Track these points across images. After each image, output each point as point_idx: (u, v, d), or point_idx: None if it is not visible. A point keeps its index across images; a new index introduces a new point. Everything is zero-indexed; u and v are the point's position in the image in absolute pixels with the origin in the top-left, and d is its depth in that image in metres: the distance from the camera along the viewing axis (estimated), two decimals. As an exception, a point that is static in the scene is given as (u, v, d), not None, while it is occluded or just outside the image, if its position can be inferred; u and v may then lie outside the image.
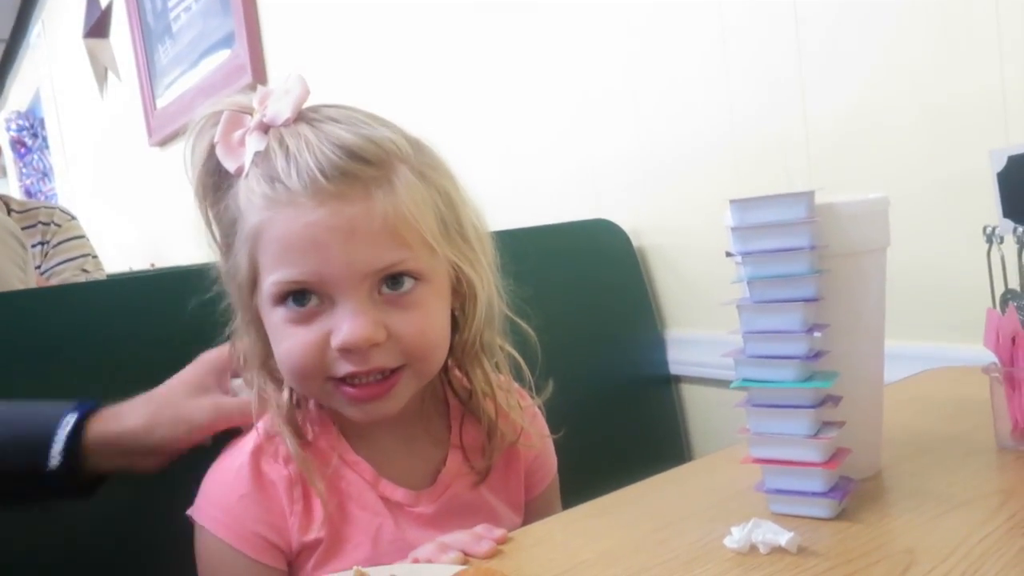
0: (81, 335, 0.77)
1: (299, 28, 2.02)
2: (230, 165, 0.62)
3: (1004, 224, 0.69)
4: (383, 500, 0.65)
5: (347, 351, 0.59)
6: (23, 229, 1.51)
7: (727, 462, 0.66)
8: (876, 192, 0.59)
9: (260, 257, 0.61)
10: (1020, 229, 0.67)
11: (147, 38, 2.93)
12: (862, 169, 0.95)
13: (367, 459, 0.66)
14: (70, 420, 0.64)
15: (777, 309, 0.54)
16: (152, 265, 2.96)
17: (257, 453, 0.64)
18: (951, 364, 0.85)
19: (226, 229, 0.64)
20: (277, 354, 0.62)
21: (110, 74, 3.41)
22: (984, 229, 0.69)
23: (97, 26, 3.33)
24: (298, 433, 0.64)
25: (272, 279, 0.60)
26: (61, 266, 1.64)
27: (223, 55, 2.34)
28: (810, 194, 0.53)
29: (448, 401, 0.72)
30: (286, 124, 0.60)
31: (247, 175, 0.61)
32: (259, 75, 2.16)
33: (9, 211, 1.63)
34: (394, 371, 0.62)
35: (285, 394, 0.65)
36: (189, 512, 0.65)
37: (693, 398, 1.22)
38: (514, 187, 1.45)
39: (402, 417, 0.65)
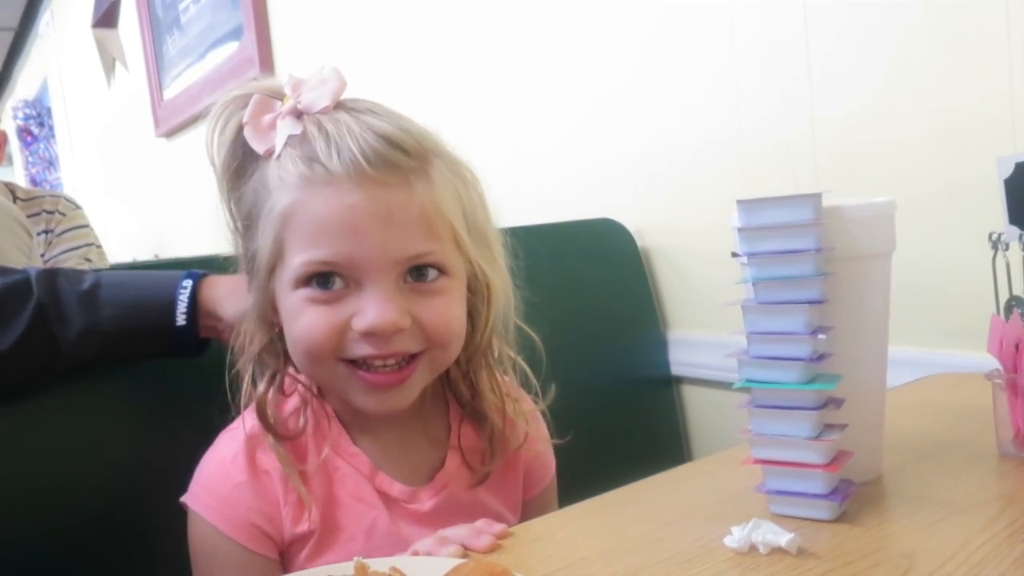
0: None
1: (307, 22, 2.02)
2: (259, 147, 0.62)
3: (1010, 231, 0.69)
4: (379, 494, 0.65)
5: (371, 335, 0.59)
6: (28, 217, 1.51)
7: (728, 463, 0.66)
8: (883, 196, 0.59)
9: (289, 237, 0.60)
10: (1026, 236, 0.67)
11: (155, 29, 2.93)
12: (869, 173, 0.95)
13: (366, 452, 0.66)
14: (187, 284, 0.71)
15: (781, 311, 0.54)
16: (156, 256, 2.96)
17: (252, 441, 0.64)
18: (954, 370, 0.85)
19: (247, 211, 0.64)
20: (292, 334, 0.62)
21: (118, 64, 3.41)
22: (990, 235, 0.69)
23: (106, 16, 3.33)
24: (271, 429, 0.64)
25: (302, 259, 0.59)
26: (64, 255, 1.65)
27: (231, 47, 2.34)
28: (817, 196, 0.53)
29: (448, 403, 0.71)
30: (324, 111, 0.60)
31: (279, 156, 0.61)
32: (267, 68, 2.17)
33: (15, 199, 1.63)
34: (412, 358, 0.62)
35: (261, 387, 0.65)
36: (183, 499, 0.65)
37: (694, 399, 1.22)
38: (519, 185, 1.45)
39: (403, 414, 0.65)
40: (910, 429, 0.69)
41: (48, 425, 0.73)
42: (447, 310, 0.62)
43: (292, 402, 0.67)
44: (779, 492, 0.55)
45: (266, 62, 2.17)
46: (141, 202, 3.42)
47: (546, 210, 1.35)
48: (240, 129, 0.63)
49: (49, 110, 4.89)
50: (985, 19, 0.84)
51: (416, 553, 0.54)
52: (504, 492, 0.72)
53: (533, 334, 0.73)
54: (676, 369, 1.22)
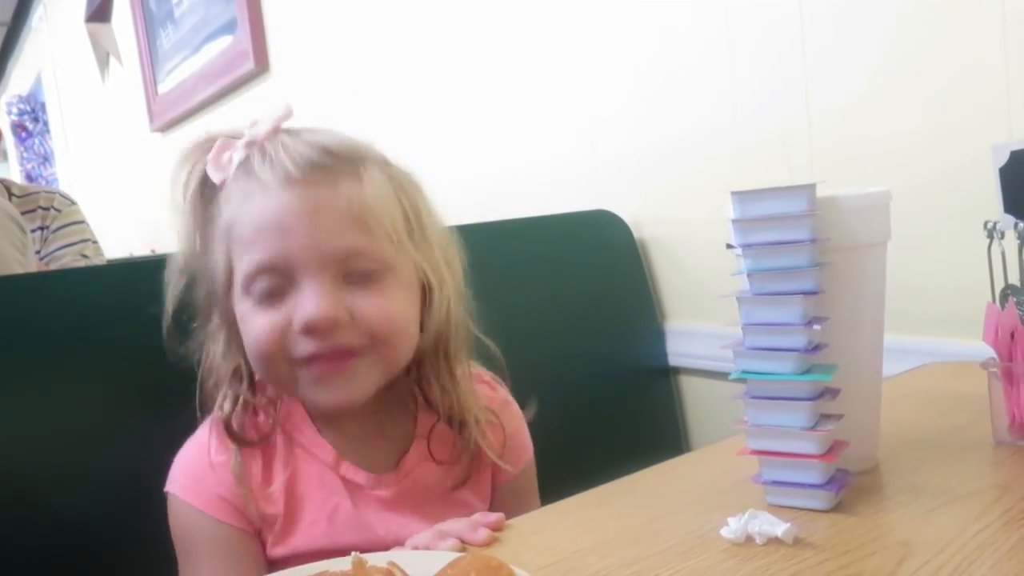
0: (80, 320, 0.77)
1: (301, 14, 2.01)
2: (216, 177, 0.66)
3: (1005, 219, 0.69)
4: (343, 481, 0.67)
5: (309, 331, 0.61)
6: (23, 214, 1.51)
7: (724, 454, 0.66)
8: (878, 186, 0.59)
9: (233, 248, 0.64)
10: (1021, 224, 0.67)
11: (149, 23, 2.92)
12: (864, 162, 0.95)
13: (330, 442, 0.68)
14: None
15: (777, 302, 0.54)
16: (152, 251, 2.96)
17: (218, 447, 0.67)
18: (950, 359, 0.85)
19: (204, 235, 0.67)
20: (246, 344, 0.65)
21: (112, 59, 3.40)
22: (985, 224, 0.69)
23: (99, 10, 3.31)
24: (235, 437, 0.66)
25: (244, 264, 0.63)
26: (61, 251, 1.64)
27: (225, 41, 2.33)
28: (811, 187, 0.53)
29: (416, 399, 0.72)
30: (267, 136, 0.65)
31: (228, 182, 0.65)
32: (261, 61, 2.16)
33: (10, 195, 1.62)
34: (357, 352, 0.63)
35: (227, 407, 0.67)
36: (165, 488, 0.67)
37: (692, 390, 1.22)
38: (516, 177, 1.45)
39: (368, 408, 0.67)
40: (906, 418, 0.69)
41: (32, 416, 0.73)
42: (388, 305, 0.64)
43: (264, 396, 0.69)
44: (775, 482, 0.55)
45: (260, 55, 2.16)
46: (136, 197, 3.42)
47: (543, 202, 1.35)
48: (204, 171, 0.67)
49: (43, 105, 4.87)
50: (980, 7, 0.84)
51: (415, 547, 0.54)
52: (472, 481, 0.72)
53: (495, 347, 0.76)
54: (674, 360, 1.22)
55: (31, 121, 5.07)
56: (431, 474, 0.70)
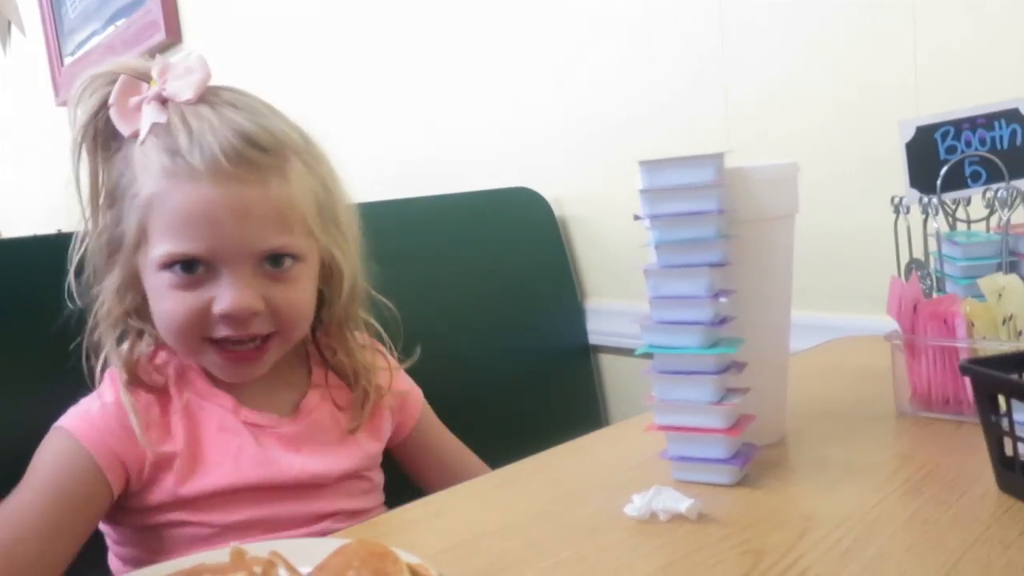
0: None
1: (214, -17, 1.93)
2: (125, 128, 0.65)
3: (911, 194, 0.69)
4: (244, 424, 0.69)
5: (228, 318, 0.64)
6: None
7: (636, 430, 0.65)
8: (785, 158, 0.59)
9: (152, 224, 0.64)
10: (926, 199, 0.67)
11: (53, -10, 2.76)
12: (779, 141, 0.96)
13: (227, 392, 0.70)
14: None
15: (684, 274, 0.53)
16: (59, 231, 2.81)
17: (115, 394, 0.66)
18: (857, 334, 0.86)
19: (112, 187, 0.67)
20: (157, 312, 0.66)
21: (14, 29, 3.21)
22: (892, 199, 0.70)
23: (-1, -24, 3.12)
24: (134, 378, 0.67)
25: (165, 249, 0.63)
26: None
27: (134, 10, 2.22)
28: (719, 156, 0.52)
29: (309, 355, 0.76)
30: (188, 103, 0.64)
31: (143, 142, 0.64)
32: (173, 32, 2.06)
33: None
34: (266, 339, 0.67)
35: (125, 346, 0.68)
36: (56, 424, 0.66)
37: (611, 368, 1.22)
38: (436, 153, 1.42)
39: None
40: (813, 392, 0.70)
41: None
42: (297, 296, 0.67)
43: (161, 356, 0.70)
44: (682, 458, 0.54)
45: (172, 26, 2.06)
46: (41, 173, 3.25)
47: (463, 179, 1.32)
48: (104, 107, 0.66)
49: (-59, 77, 4.58)
50: (890, -15, 0.85)
51: None
52: (368, 426, 0.75)
53: (394, 309, 0.79)
54: (593, 338, 1.21)
55: (-72, 94, 4.77)
56: (328, 416, 0.73)
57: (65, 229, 0.75)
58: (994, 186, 0.67)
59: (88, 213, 0.67)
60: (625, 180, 1.11)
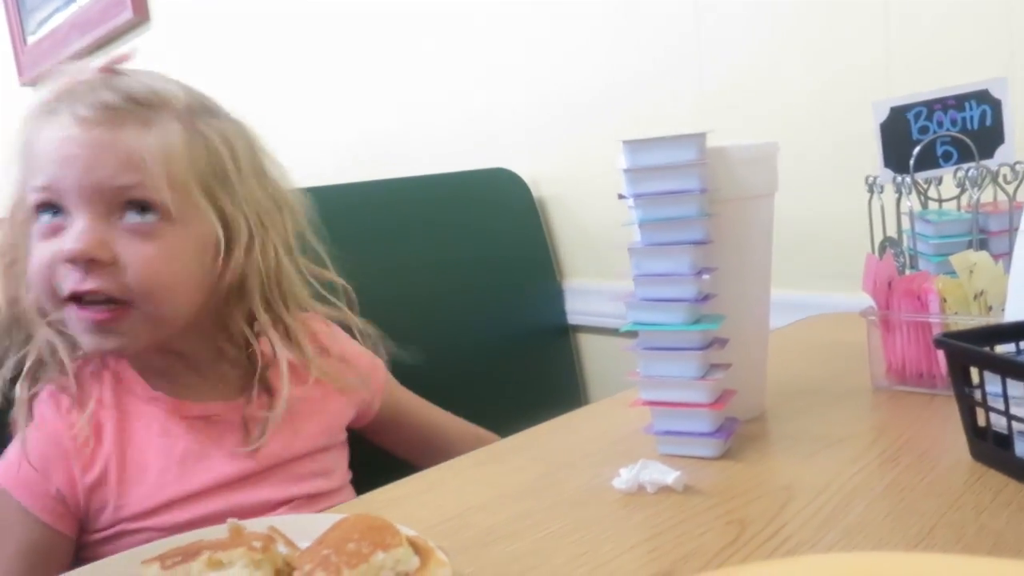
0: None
1: (183, -39, 1.89)
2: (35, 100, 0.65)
3: (884, 173, 0.71)
4: (186, 420, 0.67)
5: (69, 263, 0.61)
6: None
7: (618, 407, 0.66)
8: (766, 138, 0.60)
9: (25, 172, 0.64)
10: (899, 178, 0.69)
11: (13, -34, 2.69)
12: (754, 120, 0.97)
13: (166, 392, 0.68)
14: None
15: (667, 252, 0.54)
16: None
17: (40, 418, 0.65)
18: (833, 310, 0.88)
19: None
20: (29, 272, 0.64)
21: (-27, 6, 3.12)
22: (866, 179, 0.71)
23: (-44, -48, 3.03)
24: (64, 388, 0.66)
25: (29, 186, 0.63)
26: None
27: (100, -13, 2.17)
28: (701, 136, 0.53)
29: (249, 346, 0.72)
30: (92, 74, 0.65)
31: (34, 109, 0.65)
32: (140, 10, 2.02)
33: None
34: (123, 306, 0.63)
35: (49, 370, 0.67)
36: None
37: (590, 348, 1.23)
38: (412, 134, 1.41)
39: (200, 357, 0.70)
40: (791, 367, 0.71)
41: None
42: (156, 257, 0.63)
43: (90, 367, 0.68)
44: (667, 432, 0.55)
45: (139, 4, 2.01)
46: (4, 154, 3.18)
47: (440, 161, 1.32)
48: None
49: None
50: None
51: None
52: (322, 412, 0.74)
53: (346, 286, 0.77)
54: (573, 318, 1.22)
55: None
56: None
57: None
58: (965, 166, 0.68)
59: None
60: (602, 159, 1.12)
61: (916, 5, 0.84)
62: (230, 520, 0.40)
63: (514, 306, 1.18)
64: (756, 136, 0.91)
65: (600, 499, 0.50)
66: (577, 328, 1.23)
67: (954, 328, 0.59)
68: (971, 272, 0.61)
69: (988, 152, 0.69)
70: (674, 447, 0.55)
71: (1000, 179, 0.67)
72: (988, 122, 0.69)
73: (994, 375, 0.47)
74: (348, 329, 0.77)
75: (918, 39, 0.84)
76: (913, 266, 0.69)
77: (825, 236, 0.92)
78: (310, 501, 0.69)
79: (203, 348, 0.70)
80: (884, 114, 0.71)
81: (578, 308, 1.21)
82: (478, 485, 0.55)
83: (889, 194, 0.70)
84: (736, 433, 0.56)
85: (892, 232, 0.70)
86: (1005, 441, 0.47)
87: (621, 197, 0.55)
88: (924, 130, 0.70)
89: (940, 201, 0.72)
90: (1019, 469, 0.46)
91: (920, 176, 0.70)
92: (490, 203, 1.20)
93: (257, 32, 1.71)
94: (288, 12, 1.62)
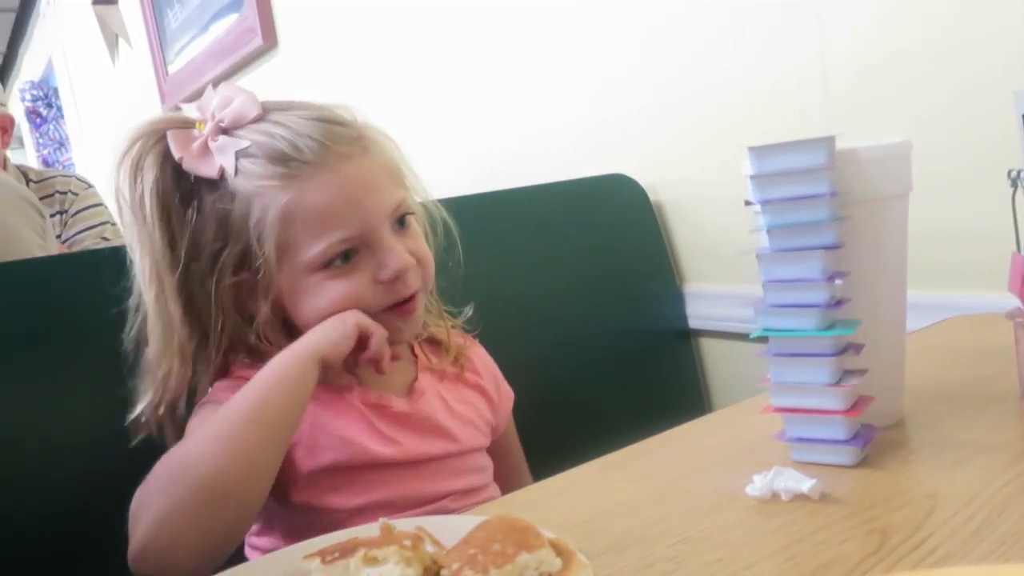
0: (101, 300, 0.77)
1: (308, -12, 1.99)
2: (207, 171, 0.67)
3: (1029, 167, 0.67)
4: (364, 405, 0.71)
5: (395, 280, 0.68)
6: (41, 199, 1.52)
7: (747, 413, 0.66)
8: (897, 136, 0.58)
9: (292, 233, 0.66)
10: (1046, 171, 0.65)
11: (155, 3, 2.91)
12: (881, 114, 0.93)
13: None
14: None
15: (797, 257, 0.53)
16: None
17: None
18: (975, 312, 0.84)
19: (215, 231, 0.68)
20: (315, 310, 0.68)
21: (121, 41, 3.39)
22: (1008, 173, 0.68)
23: (105, -8, 3.30)
24: None
25: (319, 248, 0.66)
26: (81, 234, 1.65)
27: (232, 18, 2.32)
28: (830, 139, 0.52)
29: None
30: (256, 120, 0.68)
31: (237, 172, 0.66)
32: (269, 37, 2.14)
33: (27, 181, 1.64)
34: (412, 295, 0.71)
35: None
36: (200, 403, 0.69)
37: (712, 352, 1.22)
38: (528, 143, 1.44)
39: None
40: (931, 372, 0.69)
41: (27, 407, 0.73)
42: (425, 248, 0.73)
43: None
44: (800, 439, 0.55)
45: (268, 31, 2.14)
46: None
47: (556, 168, 1.34)
48: (162, 165, 0.68)
49: (56, 90, 4.88)
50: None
51: None
52: (474, 412, 0.78)
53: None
54: (694, 323, 1.21)
55: (44, 107, 5.09)
56: (438, 397, 0.76)
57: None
58: (1121, 155, 0.64)
59: (151, 280, 0.68)
60: (718, 161, 1.11)
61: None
62: (382, 520, 0.43)
63: (634, 311, 1.19)
64: (885, 130, 0.89)
65: (734, 505, 0.50)
66: (699, 332, 1.22)
67: (1113, 330, 0.55)
68: None
69: None
70: (808, 454, 0.54)
71: None
72: None
73: None
74: None
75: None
76: (1064, 264, 0.65)
77: (965, 233, 0.88)
78: (467, 495, 0.73)
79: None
80: (1027, 104, 0.68)
81: (699, 312, 1.20)
82: (608, 490, 0.56)
83: (1035, 188, 0.66)
84: (873, 441, 0.55)
85: (1040, 228, 0.66)
86: None
87: (748, 203, 0.55)
88: (1073, 119, 0.66)
89: (1093, 194, 0.67)
90: None
91: (1070, 168, 0.66)
92: (608, 209, 1.21)
93: (376, 54, 1.79)
94: (406, 35, 1.68)
